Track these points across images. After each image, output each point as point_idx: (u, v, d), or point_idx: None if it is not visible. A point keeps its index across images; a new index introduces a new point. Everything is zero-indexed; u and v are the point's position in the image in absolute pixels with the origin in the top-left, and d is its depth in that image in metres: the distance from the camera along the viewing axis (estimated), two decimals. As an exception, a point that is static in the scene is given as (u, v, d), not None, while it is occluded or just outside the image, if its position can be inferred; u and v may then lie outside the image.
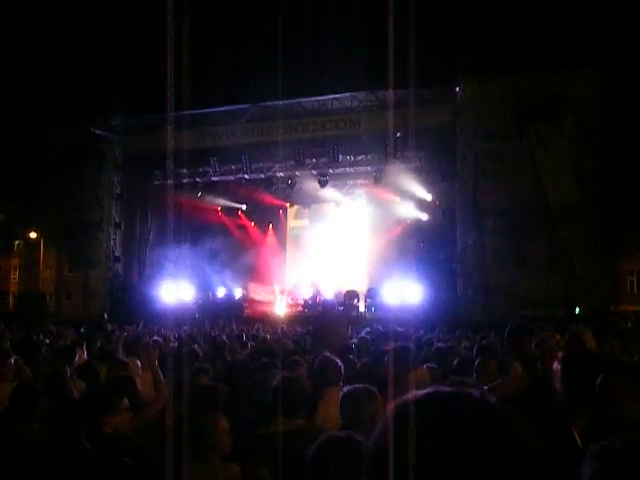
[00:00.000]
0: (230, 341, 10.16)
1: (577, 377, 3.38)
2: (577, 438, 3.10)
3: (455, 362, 6.52)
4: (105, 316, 23.23)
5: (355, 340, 10.45)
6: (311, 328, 11.96)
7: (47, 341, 10.94)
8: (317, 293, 27.22)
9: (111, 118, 29.45)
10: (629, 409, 3.16)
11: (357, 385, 4.24)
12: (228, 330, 17.20)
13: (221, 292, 29.16)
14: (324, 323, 9.25)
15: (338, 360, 5.62)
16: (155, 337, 11.48)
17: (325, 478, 2.56)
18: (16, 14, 32.51)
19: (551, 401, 3.42)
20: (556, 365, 3.57)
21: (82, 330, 14.21)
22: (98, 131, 29.53)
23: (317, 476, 2.60)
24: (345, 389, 4.16)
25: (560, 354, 3.73)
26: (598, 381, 3.31)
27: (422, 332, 13.21)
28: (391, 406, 1.19)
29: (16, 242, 40.46)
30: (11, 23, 33.27)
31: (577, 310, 21.35)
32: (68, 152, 29.62)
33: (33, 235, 31.00)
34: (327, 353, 5.91)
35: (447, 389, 1.19)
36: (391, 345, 7.04)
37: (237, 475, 4.03)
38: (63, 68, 31.05)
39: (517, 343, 5.55)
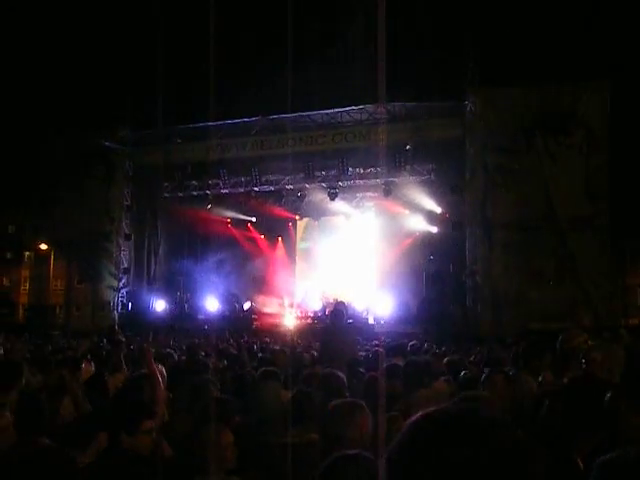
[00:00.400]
0: (239, 353, 10.15)
1: (579, 407, 3.38)
2: (580, 465, 3.11)
3: (462, 376, 6.51)
4: (117, 328, 23.24)
5: (364, 353, 10.45)
6: (318, 342, 11.92)
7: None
8: (326, 305, 27.18)
9: (121, 130, 29.53)
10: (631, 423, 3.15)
11: (344, 399, 4.21)
12: (237, 342, 17.21)
13: (230, 304, 29.16)
14: (332, 336, 9.21)
15: (341, 373, 5.60)
16: (167, 349, 11.51)
17: None
18: (27, 26, 32.77)
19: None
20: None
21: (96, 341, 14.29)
22: (108, 143, 29.66)
23: None
24: (332, 403, 4.09)
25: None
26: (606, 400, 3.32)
27: (431, 345, 13.16)
28: (409, 421, 1.20)
29: (26, 253, 40.68)
30: (22, 36, 33.54)
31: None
32: (78, 164, 29.74)
33: (43, 247, 31.12)
34: (331, 368, 5.88)
35: (460, 407, 1.20)
36: (400, 359, 7.05)
37: None
38: (73, 81, 31.26)
39: (532, 357, 5.56)
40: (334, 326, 9.61)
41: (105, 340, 17.08)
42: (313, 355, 10.66)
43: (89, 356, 9.27)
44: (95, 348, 12.93)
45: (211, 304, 29.07)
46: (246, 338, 19.16)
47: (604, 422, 3.21)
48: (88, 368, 8.30)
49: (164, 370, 7.14)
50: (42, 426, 4.23)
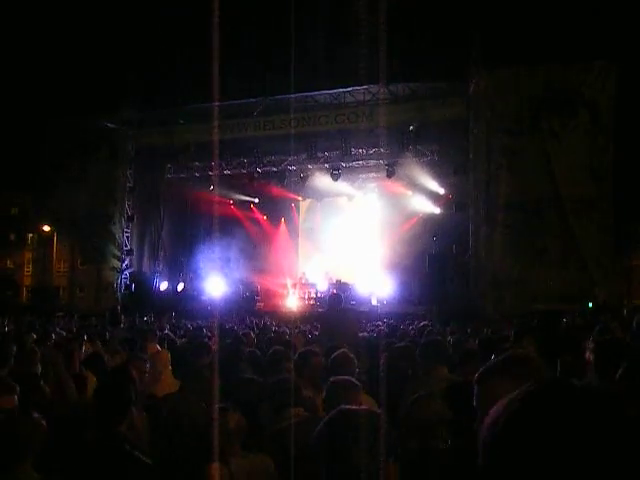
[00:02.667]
0: (245, 334, 10.14)
1: (608, 365, 3.37)
2: None
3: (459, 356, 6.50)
4: (118, 309, 23.29)
5: (366, 334, 10.44)
6: (318, 323, 11.93)
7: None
8: (329, 286, 27.19)
9: (124, 111, 29.43)
10: None
11: (341, 377, 4.24)
12: (241, 322, 17.24)
13: (234, 285, 29.18)
14: (333, 319, 9.17)
15: (351, 354, 5.59)
16: (166, 331, 11.53)
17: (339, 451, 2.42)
18: (31, 8, 32.61)
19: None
20: (588, 354, 3.57)
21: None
22: (111, 124, 29.60)
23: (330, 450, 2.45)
24: (331, 379, 4.16)
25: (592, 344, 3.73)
26: (620, 371, 3.32)
27: (435, 326, 13.16)
28: (511, 400, 1.15)
29: (29, 235, 40.72)
30: (26, 17, 33.38)
31: (590, 305, 21.23)
32: (81, 145, 29.73)
33: (46, 228, 31.10)
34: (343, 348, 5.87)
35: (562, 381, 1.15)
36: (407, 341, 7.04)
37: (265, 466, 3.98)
38: (76, 62, 31.11)
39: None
40: (333, 311, 9.58)
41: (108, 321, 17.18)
42: (307, 336, 10.64)
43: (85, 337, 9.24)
44: (93, 329, 12.98)
45: (214, 285, 29.09)
46: (247, 319, 19.23)
47: None
48: (87, 347, 8.31)
49: (169, 354, 7.15)
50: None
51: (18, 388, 4.16)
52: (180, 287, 29.86)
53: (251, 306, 26.95)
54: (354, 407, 2.66)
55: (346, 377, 4.26)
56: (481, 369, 2.42)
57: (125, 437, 3.93)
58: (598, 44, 23.87)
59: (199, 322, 17.66)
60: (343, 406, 2.55)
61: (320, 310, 21.13)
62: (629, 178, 24.90)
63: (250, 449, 4.03)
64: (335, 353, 5.54)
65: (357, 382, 4.20)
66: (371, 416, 2.43)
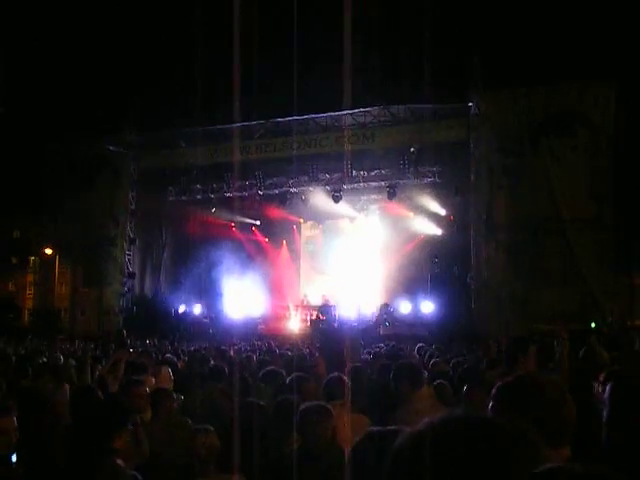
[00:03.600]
0: (240, 357, 10.10)
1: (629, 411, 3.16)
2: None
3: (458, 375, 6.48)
4: (124, 332, 23.23)
5: (366, 356, 10.42)
6: (318, 345, 11.91)
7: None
8: (331, 309, 27.13)
9: (126, 134, 29.51)
10: None
11: (313, 402, 4.28)
12: (241, 346, 17.19)
13: (234, 308, 29.15)
14: (335, 338, 9.16)
15: (344, 376, 5.60)
16: (168, 354, 11.48)
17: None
18: (31, 31, 32.85)
19: None
20: (598, 388, 3.47)
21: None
22: (112, 147, 29.68)
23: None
24: (302, 406, 4.20)
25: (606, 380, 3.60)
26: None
27: (434, 347, 13.11)
28: (406, 434, 1.18)
29: (31, 258, 40.75)
30: (26, 41, 33.62)
31: (592, 324, 21.17)
32: (83, 168, 29.80)
33: (48, 251, 31.14)
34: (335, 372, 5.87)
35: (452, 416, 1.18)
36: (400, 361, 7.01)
37: None
38: (78, 85, 31.32)
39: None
40: (330, 328, 9.59)
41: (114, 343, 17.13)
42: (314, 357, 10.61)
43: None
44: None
45: (217, 308, 29.05)
46: (251, 342, 19.16)
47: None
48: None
49: (170, 372, 7.14)
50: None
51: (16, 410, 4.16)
52: (182, 309, 29.82)
53: (253, 328, 26.88)
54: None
55: (317, 403, 4.35)
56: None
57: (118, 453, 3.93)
58: (596, 64, 24.01)
59: (202, 345, 17.61)
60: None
61: (323, 329, 21.13)
62: (630, 197, 24.89)
63: (230, 471, 4.03)
64: (328, 377, 5.56)
65: (329, 407, 4.28)
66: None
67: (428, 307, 25.27)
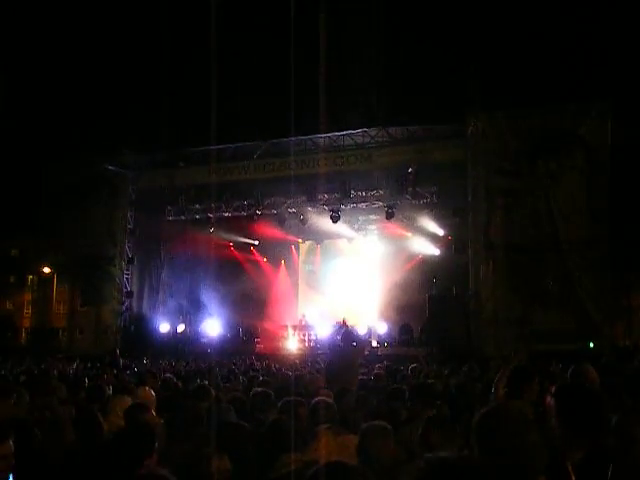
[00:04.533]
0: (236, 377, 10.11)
1: (573, 410, 3.36)
2: (571, 473, 3.08)
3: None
4: (117, 352, 23.20)
5: (366, 377, 10.41)
6: (322, 365, 11.90)
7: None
8: (330, 329, 27.07)
9: (124, 154, 29.57)
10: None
11: (374, 422, 4.31)
12: (241, 365, 17.17)
13: (233, 327, 29.13)
14: (336, 359, 9.18)
15: (330, 400, 5.65)
16: (167, 374, 11.48)
17: None
18: (31, 53, 33.03)
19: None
20: (549, 399, 3.57)
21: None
22: (111, 167, 29.74)
23: None
24: (363, 426, 4.22)
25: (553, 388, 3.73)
26: (614, 421, 3.34)
27: (432, 368, 13.11)
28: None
29: (29, 277, 40.70)
30: (26, 61, 33.80)
31: (591, 345, 21.17)
32: (82, 188, 29.82)
33: (46, 270, 31.12)
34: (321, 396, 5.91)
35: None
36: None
37: None
38: (76, 105, 31.43)
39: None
40: (337, 350, 9.61)
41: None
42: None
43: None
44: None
45: (214, 327, 29.03)
46: (248, 362, 19.14)
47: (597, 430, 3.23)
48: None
49: (152, 393, 7.08)
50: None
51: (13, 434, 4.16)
52: (180, 329, 29.79)
53: (251, 348, 26.85)
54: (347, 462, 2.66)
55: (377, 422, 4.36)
56: None
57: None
58: (592, 85, 24.18)
59: (200, 364, 17.60)
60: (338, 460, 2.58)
61: (324, 350, 21.09)
62: (627, 217, 24.99)
63: None
64: (314, 401, 5.59)
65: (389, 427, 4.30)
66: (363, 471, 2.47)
67: (426, 327, 25.24)
